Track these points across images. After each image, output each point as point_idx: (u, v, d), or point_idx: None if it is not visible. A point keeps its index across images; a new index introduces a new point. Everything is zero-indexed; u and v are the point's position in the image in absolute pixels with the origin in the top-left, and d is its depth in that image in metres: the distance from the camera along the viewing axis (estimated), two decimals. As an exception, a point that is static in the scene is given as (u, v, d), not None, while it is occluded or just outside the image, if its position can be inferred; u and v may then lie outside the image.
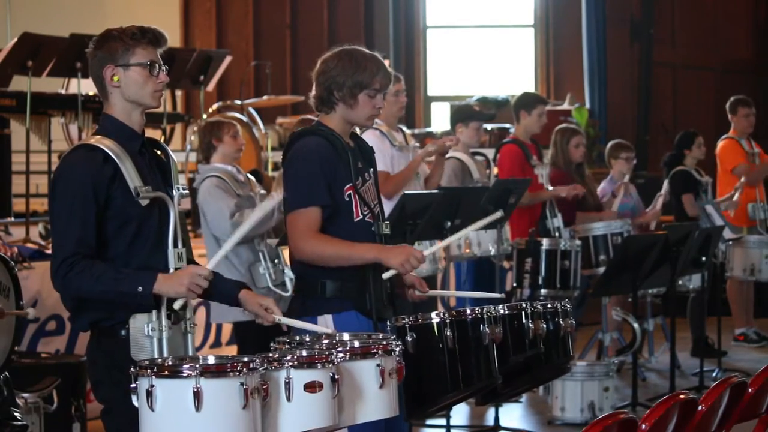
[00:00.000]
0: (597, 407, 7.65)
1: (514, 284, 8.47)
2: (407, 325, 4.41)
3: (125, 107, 4.08)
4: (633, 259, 8.06)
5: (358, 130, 4.99)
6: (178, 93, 12.48)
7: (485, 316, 4.47)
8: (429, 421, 7.74)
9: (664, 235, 8.26)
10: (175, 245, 4.04)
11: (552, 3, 15.07)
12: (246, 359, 3.59)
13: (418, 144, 8.17)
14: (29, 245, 8.32)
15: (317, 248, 4.53)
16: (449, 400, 4.57)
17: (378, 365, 3.90)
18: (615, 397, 7.94)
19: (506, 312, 4.63)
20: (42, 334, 7.58)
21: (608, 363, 8.07)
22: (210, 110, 11.20)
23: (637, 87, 14.97)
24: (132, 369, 3.60)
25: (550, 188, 8.79)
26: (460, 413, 8.12)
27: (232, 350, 8.47)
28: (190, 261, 4.15)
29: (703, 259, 8.58)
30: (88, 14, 13.79)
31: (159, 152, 4.20)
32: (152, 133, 4.25)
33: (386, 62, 4.83)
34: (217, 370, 3.54)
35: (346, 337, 4.14)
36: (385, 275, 4.62)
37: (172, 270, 4.02)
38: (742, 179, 10.14)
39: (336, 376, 3.72)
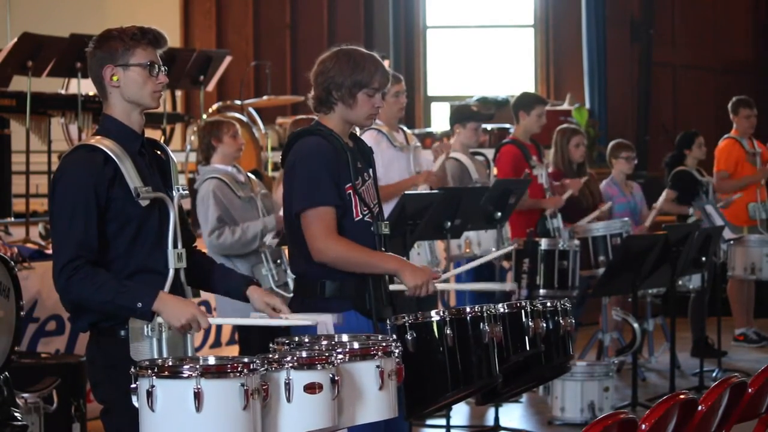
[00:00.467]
0: (597, 407, 7.65)
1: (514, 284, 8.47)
2: (407, 324, 4.41)
3: (125, 107, 4.07)
4: (633, 259, 8.06)
5: (357, 131, 4.99)
6: (178, 93, 12.48)
7: (485, 315, 4.47)
8: (429, 421, 7.74)
9: (664, 235, 8.26)
10: (175, 246, 4.03)
11: (552, 3, 15.07)
12: (246, 360, 3.59)
13: (419, 144, 8.17)
14: (29, 245, 8.32)
15: (341, 252, 4.55)
16: (449, 399, 4.57)
17: (377, 366, 3.90)
18: (615, 397, 7.94)
19: (506, 310, 4.64)
20: (42, 334, 7.58)
21: (608, 363, 8.07)
22: (210, 110, 11.20)
23: (637, 87, 14.97)
24: (132, 369, 3.60)
25: (550, 195, 8.80)
26: (460, 413, 8.12)
27: (232, 350, 8.47)
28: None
29: (703, 259, 8.58)
30: (88, 14, 13.79)
31: (159, 152, 4.20)
32: (152, 134, 4.24)
33: (386, 62, 4.83)
34: (218, 371, 3.54)
35: (345, 338, 4.14)
36: (393, 287, 4.63)
37: (171, 270, 4.02)
38: (734, 196, 10.19)
39: (336, 378, 3.72)
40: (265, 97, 12.02)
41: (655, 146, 14.43)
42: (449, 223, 7.21)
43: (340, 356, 3.83)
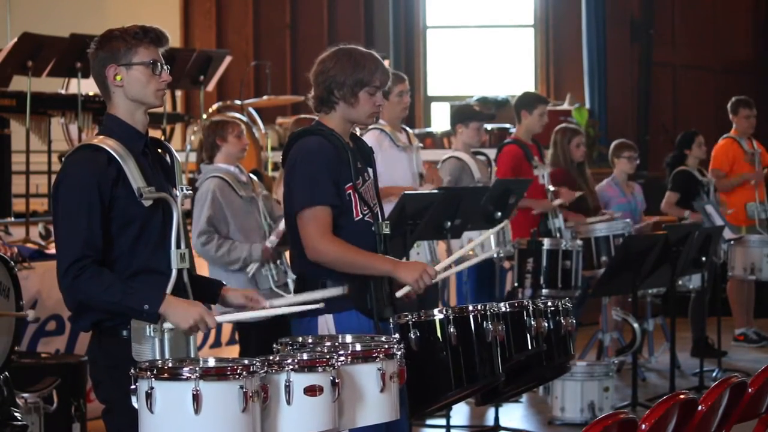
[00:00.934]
0: (597, 407, 7.65)
1: (515, 284, 8.47)
2: (410, 323, 4.41)
3: (128, 107, 4.07)
4: (633, 259, 8.06)
5: (358, 130, 4.99)
6: (178, 93, 12.48)
7: (488, 313, 4.47)
8: (429, 421, 7.74)
9: (664, 235, 8.26)
10: (178, 246, 4.03)
11: (552, 3, 15.07)
12: (246, 362, 3.59)
13: (422, 144, 8.17)
14: (29, 245, 8.31)
15: (335, 252, 4.55)
16: (452, 398, 4.58)
17: (379, 369, 3.90)
18: (615, 397, 7.94)
19: (508, 309, 4.64)
20: (42, 334, 7.58)
21: (608, 363, 8.07)
22: (210, 110, 11.20)
23: (637, 87, 14.97)
24: (132, 370, 3.60)
25: (550, 198, 8.80)
26: (460, 413, 8.12)
27: (232, 350, 8.47)
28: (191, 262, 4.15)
29: (703, 259, 8.58)
30: (88, 14, 13.78)
31: (163, 152, 4.19)
32: (152, 133, 4.23)
33: (386, 62, 4.83)
34: (217, 373, 3.54)
35: (348, 339, 4.14)
36: (399, 293, 4.63)
37: (174, 270, 4.01)
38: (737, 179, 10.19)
39: (336, 380, 3.72)
40: (265, 97, 12.01)
41: (655, 146, 14.42)
42: (449, 223, 7.20)
43: (341, 358, 3.82)
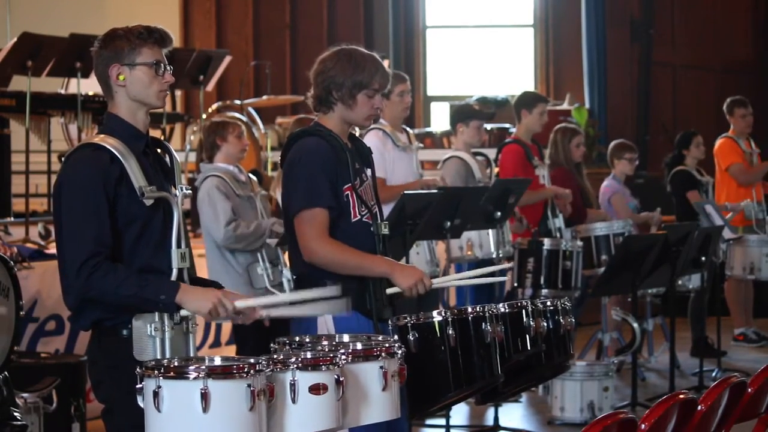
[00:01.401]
0: (596, 407, 7.65)
1: (515, 284, 8.47)
2: (409, 324, 4.42)
3: (130, 106, 4.06)
4: (633, 258, 8.06)
5: (357, 131, 4.99)
6: (178, 93, 12.48)
7: (487, 315, 4.47)
8: (429, 421, 7.74)
9: (664, 235, 8.26)
10: (179, 245, 4.03)
11: (552, 3, 15.06)
12: (252, 360, 3.59)
13: (422, 145, 8.17)
14: (29, 245, 8.31)
15: (331, 254, 4.55)
16: (451, 399, 4.58)
17: (381, 367, 3.90)
18: (614, 397, 7.94)
19: (507, 310, 4.64)
20: (41, 334, 7.58)
21: (608, 363, 8.07)
22: (209, 110, 11.20)
23: (636, 87, 14.97)
24: (138, 369, 3.60)
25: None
26: (459, 413, 8.12)
27: (231, 350, 8.47)
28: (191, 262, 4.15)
29: (703, 259, 8.58)
30: (88, 14, 13.78)
31: (162, 152, 4.19)
32: (151, 133, 4.23)
33: (386, 63, 4.83)
34: (225, 372, 3.55)
35: (346, 338, 4.14)
36: (390, 290, 4.62)
37: (175, 270, 4.01)
38: (742, 204, 10.14)
39: (340, 378, 3.73)
40: (264, 97, 12.02)
41: (655, 146, 14.42)
42: (449, 223, 7.20)
43: (344, 357, 3.82)
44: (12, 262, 5.15)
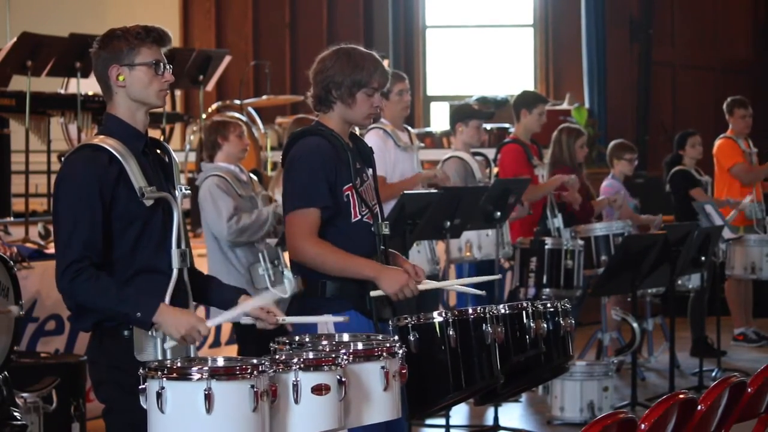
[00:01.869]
0: (596, 407, 7.66)
1: (517, 284, 8.47)
2: (410, 325, 4.41)
3: (130, 107, 4.06)
4: (632, 258, 8.06)
5: (357, 130, 4.99)
6: (178, 93, 12.47)
7: (487, 316, 4.47)
8: (428, 421, 7.74)
9: (664, 234, 8.26)
10: (179, 245, 4.03)
11: (552, 3, 15.07)
12: (255, 361, 3.59)
13: (423, 144, 8.16)
14: (29, 245, 8.31)
15: (317, 254, 4.54)
16: (451, 400, 4.57)
17: (383, 367, 3.90)
18: (614, 396, 7.94)
19: (507, 311, 4.64)
20: (41, 334, 7.58)
21: (607, 363, 8.07)
22: (209, 110, 11.20)
23: (636, 87, 14.97)
24: (141, 370, 3.60)
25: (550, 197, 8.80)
26: (459, 413, 8.12)
27: (231, 350, 8.47)
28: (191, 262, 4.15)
29: (703, 258, 8.58)
30: (88, 14, 13.78)
31: (161, 152, 4.19)
32: (151, 133, 4.23)
33: (385, 62, 4.83)
34: (228, 373, 3.55)
35: (346, 338, 4.14)
36: (374, 293, 4.60)
37: (175, 270, 4.01)
38: (740, 206, 10.11)
39: (343, 379, 3.72)
40: (264, 97, 12.02)
41: (655, 146, 14.43)
42: (449, 223, 7.20)
43: (346, 357, 3.82)
44: (12, 262, 5.16)
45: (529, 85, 14.86)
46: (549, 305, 4.79)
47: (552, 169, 9.09)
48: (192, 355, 4.00)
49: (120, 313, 3.89)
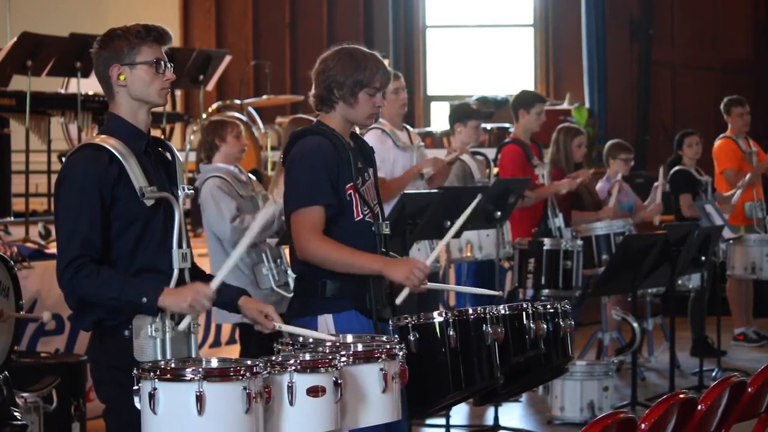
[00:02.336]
0: (596, 407, 7.66)
1: (516, 284, 8.47)
2: (410, 325, 4.41)
3: (132, 106, 4.06)
4: (633, 258, 8.06)
5: (358, 130, 4.99)
6: (178, 93, 12.49)
7: (488, 316, 4.47)
8: (428, 421, 7.74)
9: (664, 234, 8.26)
10: (180, 245, 4.03)
11: (552, 3, 15.07)
12: (249, 363, 3.58)
13: (423, 144, 8.16)
14: (29, 245, 8.32)
15: (323, 251, 4.54)
16: (451, 400, 4.58)
17: (381, 369, 3.89)
18: (614, 396, 7.94)
19: (507, 312, 4.64)
20: (41, 334, 7.58)
21: (608, 362, 8.07)
22: (209, 110, 11.20)
23: (636, 87, 14.97)
24: (135, 371, 3.60)
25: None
26: (459, 413, 8.12)
27: (231, 350, 8.47)
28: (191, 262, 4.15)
29: (703, 258, 8.58)
30: (88, 14, 13.78)
31: (164, 152, 4.18)
32: (152, 133, 4.23)
33: (386, 62, 4.83)
34: (220, 374, 3.54)
35: (349, 339, 4.13)
36: (398, 300, 4.62)
37: (176, 270, 4.01)
38: (742, 183, 10.12)
39: (339, 381, 3.72)
40: (264, 97, 12.02)
41: (655, 146, 14.43)
42: (449, 223, 7.19)
43: (344, 359, 3.82)
44: (12, 262, 5.15)
45: (530, 85, 14.87)
46: (549, 306, 4.80)
47: (551, 169, 9.09)
48: (193, 354, 4.00)
49: (125, 301, 3.89)
